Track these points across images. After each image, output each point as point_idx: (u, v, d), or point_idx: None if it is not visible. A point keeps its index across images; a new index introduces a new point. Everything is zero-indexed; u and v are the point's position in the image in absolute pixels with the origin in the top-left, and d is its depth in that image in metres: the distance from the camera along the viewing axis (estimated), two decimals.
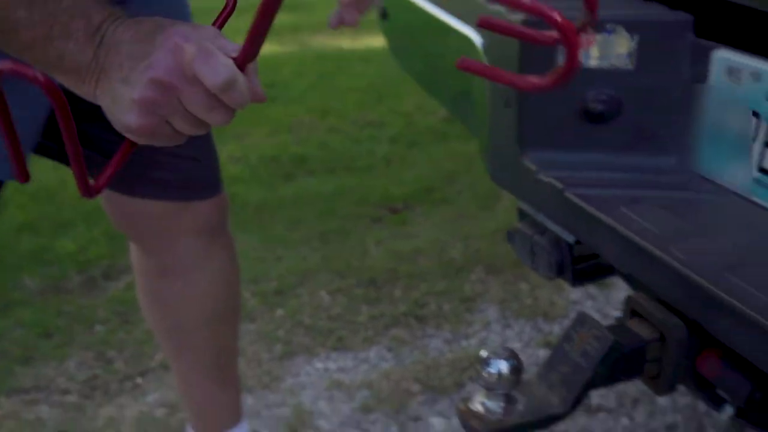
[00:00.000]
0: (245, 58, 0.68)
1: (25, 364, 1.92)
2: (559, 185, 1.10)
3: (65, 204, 2.57)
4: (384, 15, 1.69)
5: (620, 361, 1.05)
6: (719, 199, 1.04)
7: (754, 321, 0.85)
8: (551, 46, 0.59)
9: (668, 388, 1.08)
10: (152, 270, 1.42)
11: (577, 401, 1.05)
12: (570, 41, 0.55)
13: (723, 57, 1.01)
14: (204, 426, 1.55)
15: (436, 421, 1.75)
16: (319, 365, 1.93)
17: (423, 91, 1.73)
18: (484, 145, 1.32)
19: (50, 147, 1.15)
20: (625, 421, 1.74)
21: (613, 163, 1.13)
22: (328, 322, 2.07)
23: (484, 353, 1.03)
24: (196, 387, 1.52)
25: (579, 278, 1.28)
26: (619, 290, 2.10)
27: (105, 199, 1.34)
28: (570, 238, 1.21)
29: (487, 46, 1.22)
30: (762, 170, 0.99)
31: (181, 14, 1.25)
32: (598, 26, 1.08)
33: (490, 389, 1.04)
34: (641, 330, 1.06)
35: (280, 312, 2.12)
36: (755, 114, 0.99)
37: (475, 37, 1.28)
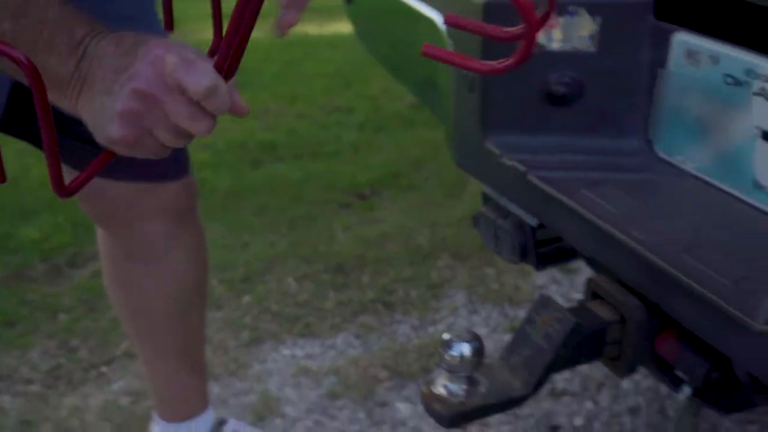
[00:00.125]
0: (224, 66, 0.70)
1: None
2: (521, 168, 1.11)
3: (28, 191, 2.53)
4: None
5: (581, 343, 1.06)
6: (678, 182, 1.05)
7: (710, 301, 0.86)
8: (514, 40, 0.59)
9: (628, 370, 1.09)
10: (119, 254, 1.40)
11: (539, 383, 1.06)
12: (529, 19, 0.56)
13: (682, 40, 1.02)
14: (170, 413, 1.54)
15: (403, 407, 1.76)
16: (286, 352, 1.93)
17: (390, 76, 1.72)
18: (448, 129, 1.32)
19: (13, 126, 1.13)
20: (589, 404, 1.76)
21: (576, 145, 1.13)
22: (295, 309, 2.07)
23: (446, 336, 1.04)
24: (162, 373, 1.50)
25: (542, 262, 1.28)
26: (584, 275, 2.12)
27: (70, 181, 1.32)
28: (533, 222, 1.21)
29: (451, 29, 1.22)
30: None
31: (143, 8, 1.23)
32: (561, 9, 1.08)
33: (452, 372, 1.04)
34: (602, 312, 1.07)
35: (247, 299, 2.11)
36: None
37: (438, 18, 1.27)
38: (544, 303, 1.07)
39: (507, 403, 1.06)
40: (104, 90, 0.69)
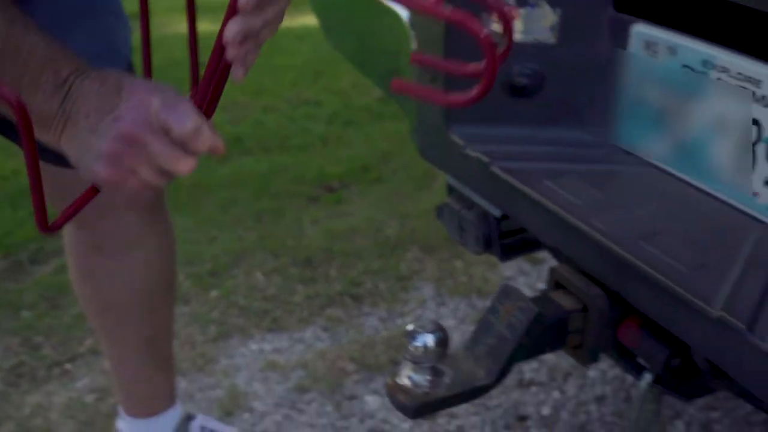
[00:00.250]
0: (204, 106, 0.74)
1: None
2: (485, 159, 1.11)
3: None
4: None
5: (544, 332, 1.06)
6: (638, 171, 1.06)
7: (669, 289, 0.87)
8: (474, 67, 0.66)
9: (591, 358, 1.10)
10: (86, 246, 1.38)
11: (502, 373, 1.06)
12: (490, 55, 0.60)
13: (641, 31, 1.03)
14: (137, 409, 1.53)
15: (372, 399, 1.76)
16: (254, 346, 1.92)
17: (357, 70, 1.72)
18: (412, 121, 1.32)
19: None
20: (556, 394, 1.77)
21: (538, 136, 1.14)
22: (263, 303, 2.06)
23: (410, 327, 1.04)
24: (129, 369, 1.49)
25: (507, 252, 1.29)
26: (551, 266, 2.13)
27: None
28: (496, 212, 1.22)
29: (413, 20, 1.22)
30: None
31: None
32: (522, 0, 1.08)
33: (416, 363, 1.04)
34: (564, 301, 1.08)
35: (214, 293, 2.09)
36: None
37: (403, 12, 1.27)
38: (507, 293, 1.08)
39: (471, 393, 1.07)
40: (88, 128, 0.71)
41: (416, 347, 1.03)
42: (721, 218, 0.98)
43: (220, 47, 0.72)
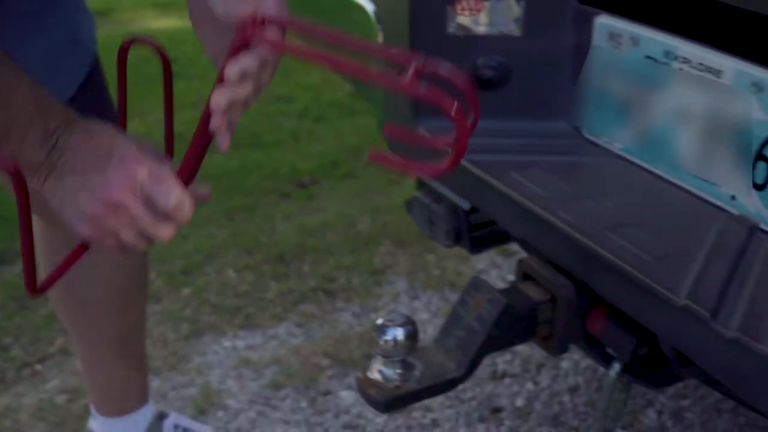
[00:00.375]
0: (186, 177, 0.78)
1: None
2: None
3: None
4: None
5: (514, 323, 1.07)
6: (604, 162, 1.07)
7: (635, 278, 0.87)
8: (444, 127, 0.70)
9: (560, 349, 1.11)
10: (57, 245, 1.37)
11: (472, 365, 1.07)
12: (460, 128, 0.66)
13: (604, 23, 1.04)
14: (109, 408, 1.52)
15: (346, 394, 1.76)
16: (227, 344, 1.91)
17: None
18: (380, 115, 1.31)
19: None
20: (530, 385, 1.78)
21: (505, 129, 1.14)
22: (235, 300, 2.05)
23: (379, 321, 1.04)
24: (101, 367, 1.48)
25: (476, 245, 1.29)
26: None
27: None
28: (465, 205, 1.22)
29: (379, 13, 1.22)
30: None
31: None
32: None
33: (387, 357, 1.04)
34: (533, 292, 1.08)
35: (186, 291, 2.08)
36: None
37: (368, 5, 1.27)
38: (476, 285, 1.08)
39: (442, 386, 1.07)
40: (75, 184, 0.75)
41: (386, 341, 1.03)
42: (685, 208, 0.99)
43: (206, 117, 0.76)
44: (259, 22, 0.74)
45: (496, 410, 1.72)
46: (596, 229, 0.94)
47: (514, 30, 1.08)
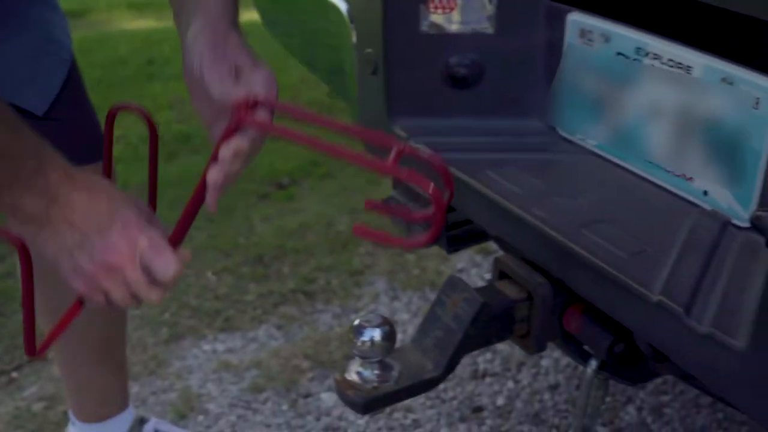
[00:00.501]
0: (176, 241, 0.83)
1: None
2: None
3: None
4: None
5: (490, 322, 1.06)
6: (578, 159, 1.07)
7: (609, 275, 0.87)
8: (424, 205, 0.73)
9: (538, 347, 1.11)
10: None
11: (450, 364, 1.06)
12: (438, 203, 0.71)
13: (576, 20, 1.04)
14: (88, 414, 1.50)
15: (327, 396, 1.75)
16: (206, 347, 1.90)
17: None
18: (356, 114, 1.31)
19: None
20: (510, 384, 1.79)
21: (479, 127, 1.14)
22: (215, 303, 2.04)
23: (356, 322, 1.03)
24: (80, 373, 1.47)
25: (453, 244, 1.29)
26: None
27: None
28: None
29: (352, 12, 1.21)
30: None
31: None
32: None
33: (364, 358, 1.03)
34: (509, 290, 1.08)
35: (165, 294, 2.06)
36: None
37: (342, 4, 1.26)
38: (453, 284, 1.08)
39: (421, 386, 1.06)
40: (73, 242, 0.77)
41: (363, 342, 1.02)
42: (659, 204, 0.99)
43: (201, 188, 0.82)
44: (251, 105, 0.82)
45: (477, 409, 1.72)
46: (571, 226, 0.93)
47: (487, 28, 1.08)
